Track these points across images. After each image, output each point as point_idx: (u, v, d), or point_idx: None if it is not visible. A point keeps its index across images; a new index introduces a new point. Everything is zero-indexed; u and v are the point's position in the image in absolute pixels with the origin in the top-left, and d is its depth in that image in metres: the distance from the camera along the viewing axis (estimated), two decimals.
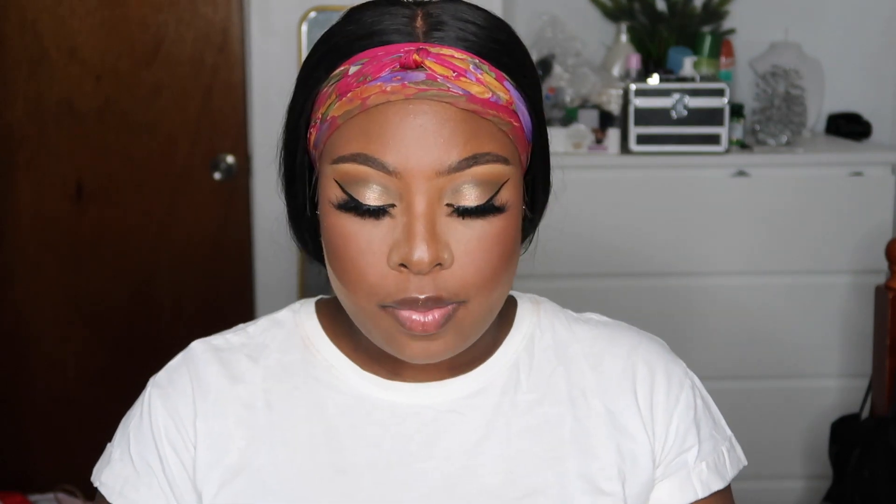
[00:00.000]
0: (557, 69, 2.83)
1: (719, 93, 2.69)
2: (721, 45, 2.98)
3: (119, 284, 2.91)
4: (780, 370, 2.77)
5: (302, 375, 1.03)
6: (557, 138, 2.69)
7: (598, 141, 2.73)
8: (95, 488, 1.04)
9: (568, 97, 2.79)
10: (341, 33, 0.94)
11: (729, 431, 1.09)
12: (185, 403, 1.02)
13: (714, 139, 2.71)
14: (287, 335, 1.05)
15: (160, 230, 2.90)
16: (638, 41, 3.01)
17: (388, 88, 0.89)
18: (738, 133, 2.82)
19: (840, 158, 2.76)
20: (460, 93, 0.90)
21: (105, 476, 1.03)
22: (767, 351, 2.75)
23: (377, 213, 0.91)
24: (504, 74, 0.93)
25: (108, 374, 2.93)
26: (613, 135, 2.72)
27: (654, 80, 2.74)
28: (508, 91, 0.92)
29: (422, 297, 0.90)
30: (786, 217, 2.71)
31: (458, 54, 0.91)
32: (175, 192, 2.89)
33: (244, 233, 2.90)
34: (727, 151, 2.72)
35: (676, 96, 2.69)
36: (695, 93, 2.69)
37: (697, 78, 2.74)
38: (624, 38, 3.00)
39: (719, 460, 1.06)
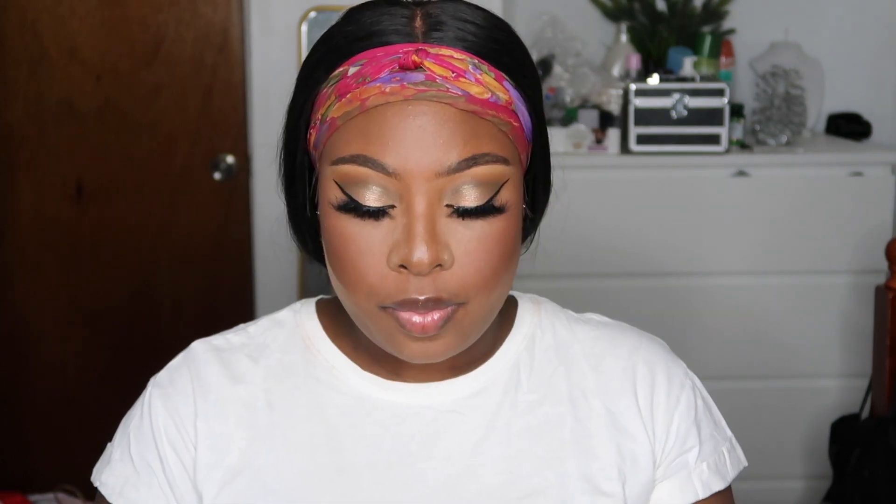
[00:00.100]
0: (557, 69, 2.83)
1: (719, 93, 2.69)
2: (721, 45, 2.98)
3: (119, 284, 2.91)
4: (780, 370, 2.77)
5: (302, 375, 1.03)
6: (557, 138, 2.69)
7: (598, 141, 2.73)
8: (95, 488, 1.04)
9: (568, 97, 2.79)
10: (341, 34, 0.94)
11: (729, 432, 1.09)
12: (185, 403, 1.02)
13: (714, 139, 2.71)
14: (288, 335, 1.05)
15: (160, 230, 2.90)
16: (638, 41, 3.01)
17: (388, 89, 0.89)
18: (738, 133, 2.82)
19: (840, 158, 2.76)
20: (459, 93, 0.90)
21: (105, 476, 1.03)
22: (767, 351, 2.75)
23: (377, 214, 0.91)
24: (503, 74, 0.93)
25: (108, 373, 2.93)
26: (613, 135, 2.72)
27: (654, 80, 2.74)
28: (508, 91, 0.92)
29: (422, 298, 0.90)
30: (786, 217, 2.71)
31: (457, 54, 0.91)
32: (175, 192, 2.89)
33: (244, 233, 2.90)
34: (727, 151, 2.72)
35: (676, 96, 2.69)
36: (695, 93, 2.69)
37: (697, 78, 2.74)
38: (624, 38, 3.00)
39: (720, 461, 1.06)
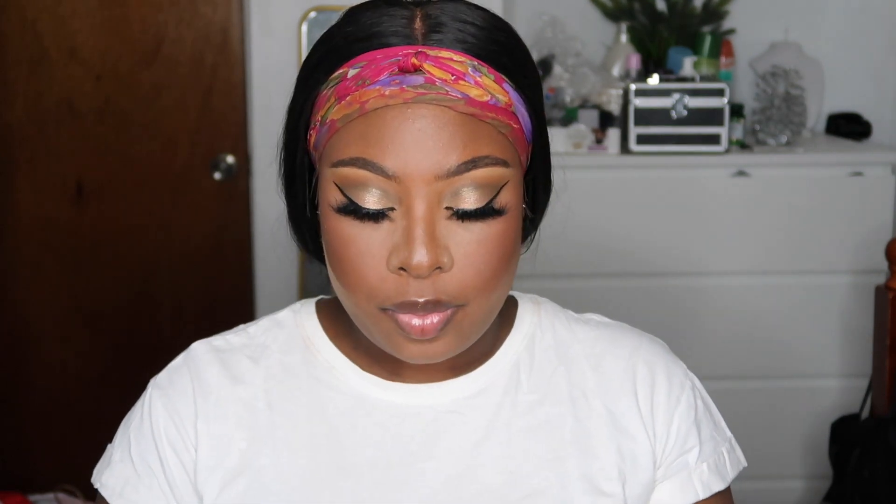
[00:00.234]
0: (557, 69, 2.83)
1: (719, 93, 2.69)
2: (721, 45, 2.98)
3: (119, 284, 2.91)
4: (780, 370, 2.77)
5: (303, 376, 1.03)
6: (557, 138, 2.69)
7: (598, 141, 2.73)
8: (96, 489, 1.04)
9: (568, 97, 2.79)
10: (340, 34, 0.94)
11: (729, 433, 1.09)
12: (185, 404, 1.02)
13: (714, 139, 2.71)
14: (288, 336, 1.05)
15: (160, 230, 2.90)
16: (638, 41, 3.01)
17: (387, 92, 0.89)
18: (738, 133, 2.82)
19: (840, 158, 2.76)
20: (459, 96, 0.90)
21: (105, 477, 1.03)
22: (767, 351, 2.75)
23: (376, 216, 0.91)
24: (503, 76, 0.92)
25: (108, 374, 2.93)
26: (613, 135, 2.72)
27: (654, 80, 2.74)
28: (507, 93, 0.92)
29: (421, 300, 0.90)
30: (786, 217, 2.71)
31: (456, 57, 0.91)
32: (175, 192, 2.89)
33: (244, 233, 2.90)
34: (727, 151, 2.72)
35: (676, 96, 2.69)
36: (695, 93, 2.69)
37: (697, 78, 2.74)
38: (624, 38, 3.00)
39: (720, 461, 1.06)
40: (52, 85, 2.83)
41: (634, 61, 2.88)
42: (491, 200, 0.91)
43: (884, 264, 2.13)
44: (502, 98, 0.92)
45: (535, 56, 2.86)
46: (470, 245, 0.91)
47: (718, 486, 1.05)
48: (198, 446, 1.00)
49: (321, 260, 1.01)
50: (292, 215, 1.02)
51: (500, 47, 0.93)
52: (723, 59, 2.98)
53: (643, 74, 2.84)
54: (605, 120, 2.75)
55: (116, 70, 2.84)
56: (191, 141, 2.88)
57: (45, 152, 2.86)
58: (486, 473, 0.99)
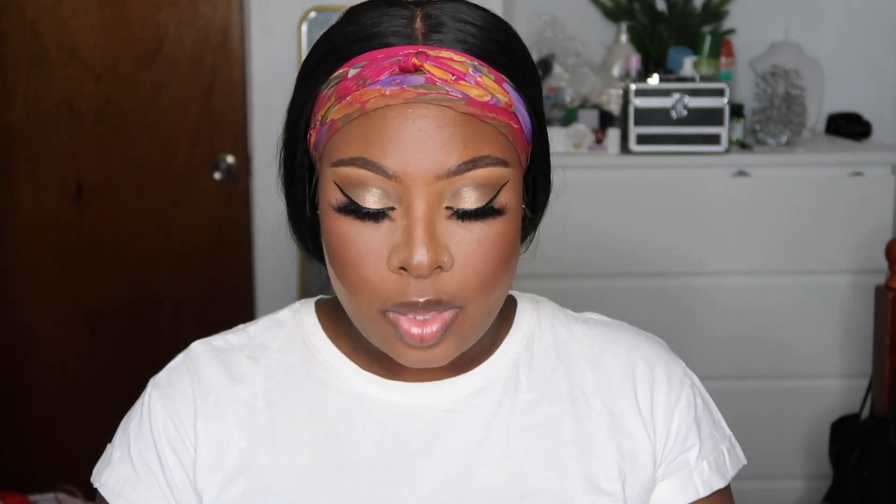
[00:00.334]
0: (557, 69, 2.83)
1: (719, 93, 2.69)
2: (721, 45, 2.98)
3: (119, 285, 2.91)
4: (780, 370, 2.77)
5: (302, 375, 1.03)
6: (557, 138, 2.69)
7: (598, 141, 2.73)
8: (95, 489, 1.04)
9: (568, 97, 2.79)
10: (340, 34, 0.94)
11: (728, 431, 1.09)
12: (185, 404, 1.02)
13: (714, 139, 2.71)
14: (288, 335, 1.05)
15: (160, 230, 2.90)
16: (638, 41, 3.01)
17: (388, 92, 0.89)
18: (738, 133, 2.82)
19: (840, 158, 2.76)
20: (459, 96, 0.90)
21: (105, 477, 1.03)
22: (767, 351, 2.75)
23: (377, 216, 0.91)
24: (503, 76, 0.93)
25: (107, 373, 2.93)
26: (613, 135, 2.72)
27: (654, 80, 2.74)
28: (508, 93, 0.92)
29: (422, 300, 0.90)
30: (786, 217, 2.71)
31: (457, 57, 0.91)
32: (175, 192, 2.89)
33: (244, 233, 2.90)
34: (727, 151, 2.72)
35: (676, 96, 2.69)
36: (695, 93, 2.69)
37: (697, 78, 2.74)
38: (624, 38, 3.00)
39: (720, 459, 1.06)
40: (52, 85, 2.83)
41: (634, 61, 2.88)
42: (491, 200, 0.91)
43: (884, 264, 2.13)
44: (502, 98, 0.92)
45: (535, 56, 2.86)
46: (470, 245, 0.91)
47: (719, 484, 1.05)
48: (197, 446, 1.00)
49: (321, 260, 1.01)
50: (292, 215, 1.02)
51: (500, 47, 0.93)
52: (723, 59, 2.98)
53: (643, 74, 2.84)
54: (605, 120, 2.75)
55: (116, 70, 2.84)
56: (191, 141, 2.88)
57: (45, 152, 2.86)
58: (486, 473, 0.99)
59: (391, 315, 0.92)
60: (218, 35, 2.85)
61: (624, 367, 1.05)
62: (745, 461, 1.09)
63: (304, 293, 2.82)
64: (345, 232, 0.92)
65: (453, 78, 0.90)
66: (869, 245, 2.65)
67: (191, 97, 2.86)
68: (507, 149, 0.93)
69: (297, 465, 0.99)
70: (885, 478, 2.04)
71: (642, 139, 2.70)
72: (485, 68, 0.91)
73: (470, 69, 0.91)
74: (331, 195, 0.92)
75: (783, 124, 2.85)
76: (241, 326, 1.08)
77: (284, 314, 1.07)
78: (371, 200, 0.91)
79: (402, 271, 0.90)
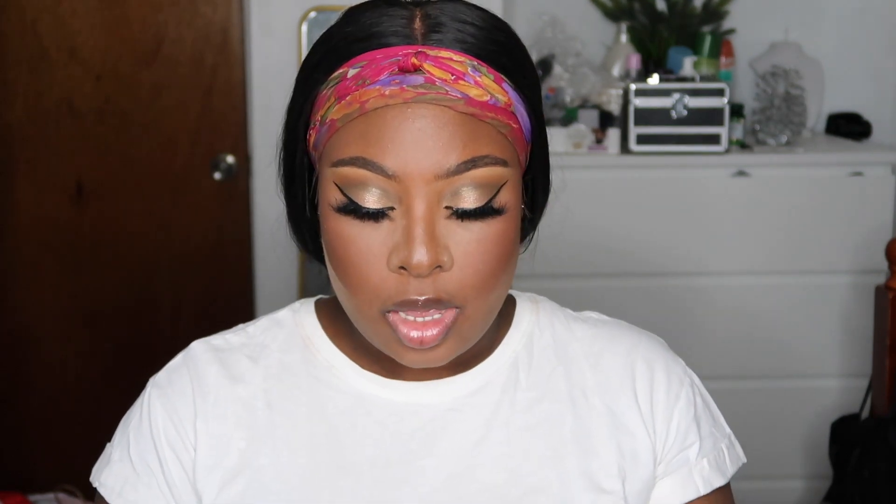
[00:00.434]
0: (557, 69, 2.83)
1: (719, 93, 2.69)
2: (721, 45, 2.98)
3: (119, 285, 2.91)
4: (780, 370, 2.77)
5: (302, 375, 1.03)
6: (557, 138, 2.69)
7: (598, 141, 2.73)
8: (94, 488, 1.04)
9: (568, 97, 2.79)
10: (340, 34, 0.94)
11: (728, 429, 1.09)
12: (184, 404, 1.02)
13: (714, 139, 2.71)
14: (288, 335, 1.05)
15: (160, 230, 2.90)
16: (638, 41, 3.01)
17: (387, 92, 0.89)
18: (738, 133, 2.82)
19: (840, 158, 2.76)
20: (459, 96, 0.90)
21: (104, 477, 1.03)
22: (767, 351, 2.75)
23: (376, 216, 0.91)
24: (502, 76, 0.93)
25: (107, 373, 2.93)
26: (613, 135, 2.72)
27: (654, 80, 2.74)
28: (507, 93, 0.93)
29: (421, 298, 0.90)
30: (786, 217, 2.71)
31: (456, 57, 0.91)
32: (175, 192, 2.89)
33: (244, 233, 2.90)
34: (727, 151, 2.72)
35: (676, 96, 2.69)
36: (695, 93, 2.69)
37: (697, 78, 2.74)
38: (624, 38, 3.00)
39: (720, 457, 1.06)
40: (52, 85, 2.83)
41: (634, 61, 2.88)
42: (490, 200, 0.91)
43: (884, 264, 2.13)
44: (502, 98, 0.92)
45: (535, 56, 2.86)
46: (469, 244, 0.91)
47: (719, 482, 1.05)
48: (197, 446, 1.00)
49: (321, 260, 1.01)
50: (292, 215, 1.02)
51: (499, 47, 0.93)
52: (723, 59, 2.98)
53: (643, 74, 2.84)
54: (605, 120, 2.75)
55: (116, 70, 2.84)
56: (191, 141, 2.88)
57: (45, 152, 2.86)
58: (486, 471, 0.99)
59: (390, 317, 0.92)
60: (218, 35, 2.85)
61: (623, 365, 1.05)
62: (744, 459, 1.09)
63: (304, 293, 2.82)
64: (344, 232, 0.92)
65: (452, 78, 0.90)
66: (869, 245, 2.65)
67: (191, 97, 2.86)
68: (507, 148, 0.93)
69: (297, 465, 0.99)
70: (885, 478, 2.04)
71: (642, 139, 2.70)
72: (484, 68, 0.92)
73: (469, 69, 0.91)
74: (330, 195, 0.92)
75: (783, 124, 2.85)
76: (240, 326, 1.08)
77: (284, 314, 1.07)
78: (371, 200, 0.91)
79: (402, 271, 0.90)
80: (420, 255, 0.89)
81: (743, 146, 2.82)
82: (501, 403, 1.02)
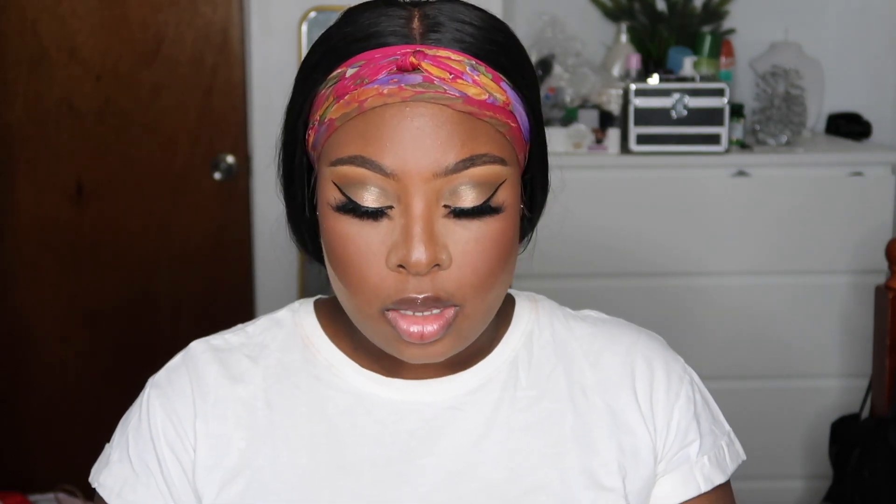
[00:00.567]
0: (557, 69, 2.83)
1: (719, 93, 2.69)
2: (721, 45, 2.98)
3: (119, 284, 2.91)
4: (780, 370, 2.77)
5: (302, 375, 1.03)
6: (557, 138, 2.69)
7: (598, 141, 2.73)
8: (93, 489, 1.04)
9: (568, 97, 2.79)
10: (338, 35, 0.94)
11: (727, 426, 1.09)
12: (184, 404, 1.02)
13: (714, 139, 2.71)
14: (287, 335, 1.05)
15: (160, 230, 2.90)
16: (638, 41, 3.01)
17: (385, 91, 0.89)
18: (738, 133, 2.82)
19: (840, 158, 2.76)
20: (457, 95, 0.90)
21: (103, 477, 1.03)
22: (767, 351, 2.75)
23: (375, 214, 0.91)
24: (501, 75, 0.93)
25: (107, 373, 2.93)
26: (613, 135, 2.72)
27: (654, 80, 2.74)
28: (505, 92, 0.93)
29: (420, 297, 0.91)
30: (786, 217, 2.71)
31: (454, 56, 0.91)
32: (175, 192, 2.89)
33: (244, 233, 2.90)
34: (727, 151, 2.72)
35: (676, 96, 2.69)
36: (695, 93, 2.69)
37: (697, 78, 2.74)
38: (624, 38, 3.00)
39: (720, 454, 1.06)
40: (52, 85, 2.83)
41: (634, 61, 2.88)
42: (488, 199, 0.92)
43: (884, 264, 2.13)
44: (500, 97, 0.92)
45: (535, 56, 2.87)
46: (468, 243, 0.91)
47: (719, 479, 1.05)
48: (196, 447, 1.00)
49: (321, 261, 1.01)
50: (291, 216, 1.02)
51: (497, 47, 0.93)
52: (723, 59, 2.98)
53: (643, 74, 2.84)
54: (605, 120, 2.75)
55: (116, 70, 2.84)
56: (191, 141, 2.88)
57: (45, 152, 2.86)
58: (487, 469, 0.99)
59: (390, 315, 0.92)
60: (218, 35, 2.85)
61: (623, 363, 1.05)
62: (744, 456, 1.09)
63: (304, 293, 2.82)
64: (343, 231, 0.92)
65: (451, 76, 0.90)
66: (869, 245, 2.65)
67: (191, 97, 2.86)
68: (505, 147, 0.93)
69: (297, 465, 0.99)
70: (885, 478, 2.04)
71: (642, 139, 2.70)
72: (482, 67, 0.92)
73: (467, 68, 0.91)
74: (329, 194, 0.93)
75: (783, 124, 2.85)
76: (239, 326, 1.08)
77: (283, 314, 1.07)
78: (369, 199, 0.91)
79: (401, 269, 0.90)
80: (419, 254, 0.89)
81: (743, 146, 2.82)
82: (501, 402, 1.02)
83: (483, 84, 0.91)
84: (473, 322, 0.94)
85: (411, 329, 0.92)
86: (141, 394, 1.05)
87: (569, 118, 2.76)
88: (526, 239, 1.04)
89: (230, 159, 2.88)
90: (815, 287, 2.73)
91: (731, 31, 3.07)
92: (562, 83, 2.81)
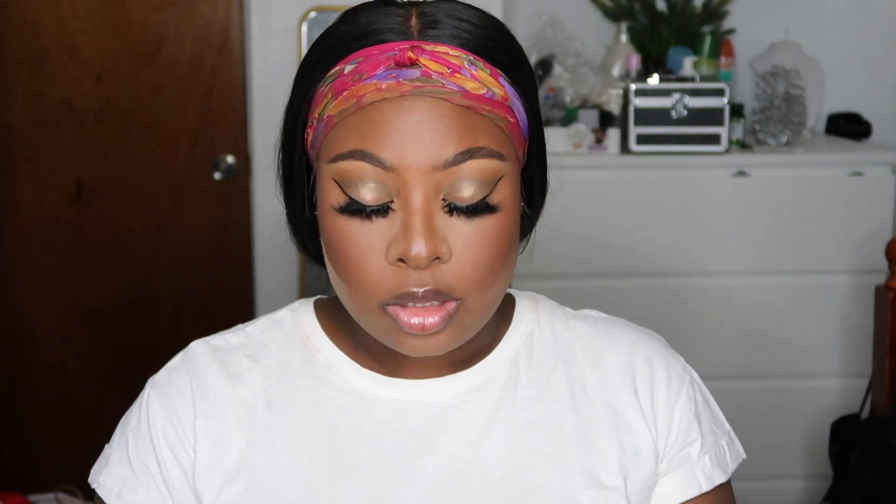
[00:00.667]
0: (557, 69, 2.83)
1: (719, 93, 2.69)
2: (721, 45, 2.98)
3: (119, 285, 2.91)
4: (780, 370, 2.77)
5: (302, 375, 1.03)
6: (557, 138, 2.69)
7: (598, 141, 2.73)
8: (93, 489, 1.04)
9: (568, 97, 2.79)
10: (336, 34, 0.95)
11: (727, 425, 1.09)
12: (184, 405, 1.01)
13: (714, 139, 2.71)
14: (287, 335, 1.05)
15: (160, 230, 2.90)
16: (638, 41, 3.01)
17: (384, 86, 0.90)
18: (738, 133, 2.82)
19: (840, 158, 2.76)
20: (455, 89, 0.90)
21: (103, 478, 1.03)
22: (767, 351, 2.75)
23: (377, 213, 0.91)
24: (499, 71, 0.93)
25: (107, 373, 2.93)
26: (613, 135, 2.72)
27: (654, 80, 2.74)
28: (504, 87, 0.93)
29: (420, 290, 0.90)
30: (786, 217, 2.71)
31: (452, 51, 0.91)
32: (175, 192, 2.89)
33: (244, 233, 2.90)
34: (727, 151, 2.72)
35: (676, 96, 2.69)
36: (695, 93, 2.69)
37: (697, 78, 2.74)
38: (624, 38, 3.00)
39: (720, 453, 1.06)
40: (52, 85, 2.84)
41: (634, 61, 2.88)
42: (487, 195, 0.91)
43: (884, 264, 2.13)
44: (498, 92, 0.92)
45: (535, 56, 2.87)
46: (468, 237, 0.91)
47: (720, 479, 1.05)
48: (196, 447, 1.00)
49: (321, 263, 1.01)
50: (291, 217, 1.02)
51: (495, 43, 0.94)
52: (723, 59, 2.98)
53: (643, 74, 2.84)
54: (605, 120, 2.75)
55: (116, 70, 2.84)
56: (191, 141, 2.88)
57: (45, 152, 2.86)
58: (487, 469, 0.99)
59: (390, 309, 0.92)
60: (218, 35, 2.85)
61: (623, 363, 1.05)
62: (744, 455, 1.09)
63: (304, 293, 2.82)
64: (343, 228, 0.92)
65: (449, 71, 0.90)
66: (869, 245, 2.65)
67: (191, 97, 2.86)
68: (504, 142, 0.93)
69: (298, 464, 0.99)
70: (885, 478, 2.04)
71: (642, 139, 2.70)
72: (480, 63, 0.92)
73: (465, 63, 0.91)
74: (329, 192, 0.93)
75: (783, 124, 2.85)
76: (239, 326, 1.08)
77: (283, 314, 1.07)
78: (369, 194, 0.91)
79: (401, 263, 0.90)
80: (418, 247, 0.89)
81: (743, 146, 2.82)
82: (502, 401, 1.02)
83: (481, 79, 0.91)
84: (475, 316, 0.94)
85: (412, 321, 0.91)
86: (141, 394, 1.05)
87: (569, 118, 2.76)
88: (526, 238, 1.04)
89: (230, 159, 2.88)
90: (815, 287, 2.73)
91: (731, 31, 3.07)
92: (562, 83, 2.81)
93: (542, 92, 2.78)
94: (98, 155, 2.86)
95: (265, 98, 2.77)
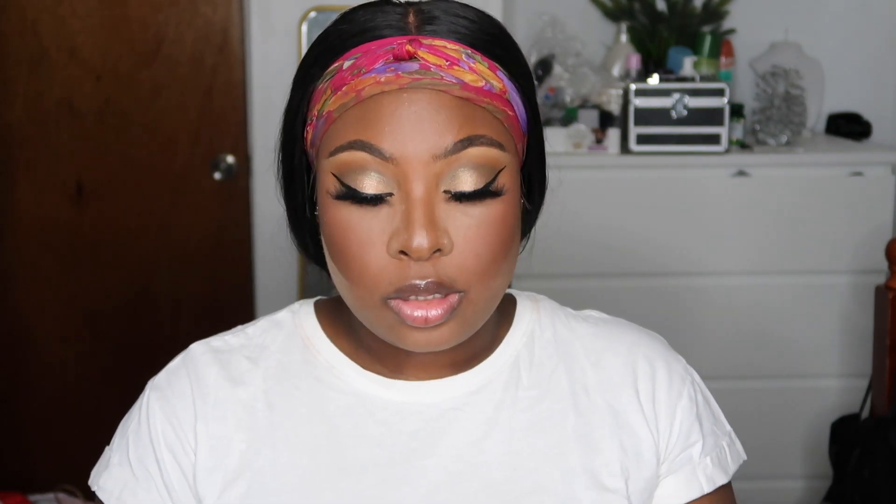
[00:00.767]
0: (557, 69, 2.83)
1: (719, 93, 2.69)
2: (721, 45, 2.98)
3: (119, 284, 2.91)
4: (780, 370, 2.77)
5: (302, 376, 1.03)
6: (557, 138, 2.69)
7: (598, 141, 2.73)
8: (93, 492, 1.04)
9: (568, 97, 2.79)
10: (335, 32, 0.95)
11: (728, 426, 1.09)
12: (184, 407, 1.01)
13: (714, 139, 2.71)
14: (287, 336, 1.05)
15: (160, 230, 2.90)
16: (638, 41, 3.01)
17: (383, 79, 0.90)
18: (738, 133, 2.82)
19: (840, 158, 2.76)
20: (454, 81, 0.90)
21: (103, 480, 1.03)
22: (767, 351, 2.75)
23: (375, 201, 0.91)
24: (497, 65, 0.94)
25: (107, 374, 2.93)
26: (613, 135, 2.72)
27: (654, 80, 2.74)
28: (502, 80, 0.93)
29: (423, 282, 0.90)
30: (786, 217, 2.71)
31: (450, 45, 0.92)
32: (175, 192, 2.89)
33: (244, 233, 2.90)
34: (727, 151, 2.72)
35: (676, 96, 2.69)
36: (695, 93, 2.69)
37: (697, 78, 2.74)
38: (624, 38, 3.00)
39: (721, 455, 1.06)
40: (52, 85, 2.83)
41: (634, 61, 2.88)
42: (489, 184, 0.91)
43: (884, 264, 2.13)
44: (497, 84, 0.93)
45: (535, 56, 2.87)
46: (469, 229, 0.91)
47: (721, 480, 1.05)
48: (197, 449, 1.00)
49: (321, 264, 1.01)
50: (292, 217, 1.02)
51: (492, 38, 0.95)
52: (723, 59, 2.98)
53: (643, 74, 2.84)
54: (605, 120, 2.75)
55: (116, 70, 2.84)
56: (191, 141, 2.88)
57: (45, 152, 2.86)
58: (488, 470, 0.99)
59: (393, 303, 0.92)
60: (218, 35, 2.85)
61: (624, 364, 1.05)
62: (745, 456, 1.09)
63: (304, 293, 2.82)
64: (343, 220, 0.92)
65: (447, 63, 0.91)
66: (869, 245, 2.65)
67: (191, 97, 2.86)
68: (503, 133, 0.93)
69: (298, 466, 0.99)
70: (885, 478, 2.04)
71: (642, 139, 2.70)
72: (478, 56, 0.92)
73: (463, 56, 0.92)
74: (329, 185, 0.92)
75: (783, 124, 2.85)
76: (239, 328, 1.07)
77: (283, 315, 1.07)
78: (369, 185, 0.91)
79: (402, 256, 0.90)
80: (420, 239, 0.89)
81: (743, 146, 2.82)
82: (503, 402, 1.02)
83: (479, 71, 0.92)
84: (477, 308, 0.94)
85: (415, 313, 0.91)
86: (141, 396, 1.04)
87: (569, 118, 2.76)
88: (526, 238, 1.04)
89: (230, 159, 2.88)
90: (815, 287, 2.73)
91: (731, 31, 3.07)
92: (562, 83, 2.81)
93: (541, 92, 2.78)
94: (98, 155, 2.86)
95: (265, 98, 2.77)
